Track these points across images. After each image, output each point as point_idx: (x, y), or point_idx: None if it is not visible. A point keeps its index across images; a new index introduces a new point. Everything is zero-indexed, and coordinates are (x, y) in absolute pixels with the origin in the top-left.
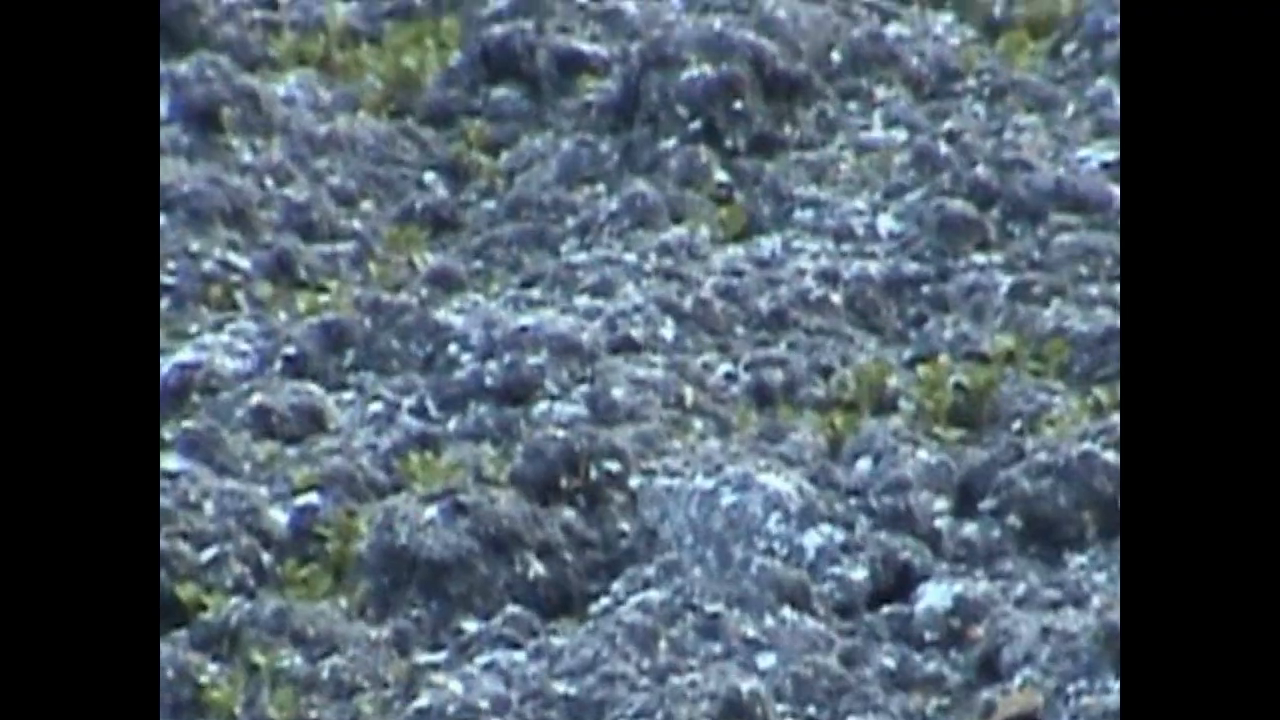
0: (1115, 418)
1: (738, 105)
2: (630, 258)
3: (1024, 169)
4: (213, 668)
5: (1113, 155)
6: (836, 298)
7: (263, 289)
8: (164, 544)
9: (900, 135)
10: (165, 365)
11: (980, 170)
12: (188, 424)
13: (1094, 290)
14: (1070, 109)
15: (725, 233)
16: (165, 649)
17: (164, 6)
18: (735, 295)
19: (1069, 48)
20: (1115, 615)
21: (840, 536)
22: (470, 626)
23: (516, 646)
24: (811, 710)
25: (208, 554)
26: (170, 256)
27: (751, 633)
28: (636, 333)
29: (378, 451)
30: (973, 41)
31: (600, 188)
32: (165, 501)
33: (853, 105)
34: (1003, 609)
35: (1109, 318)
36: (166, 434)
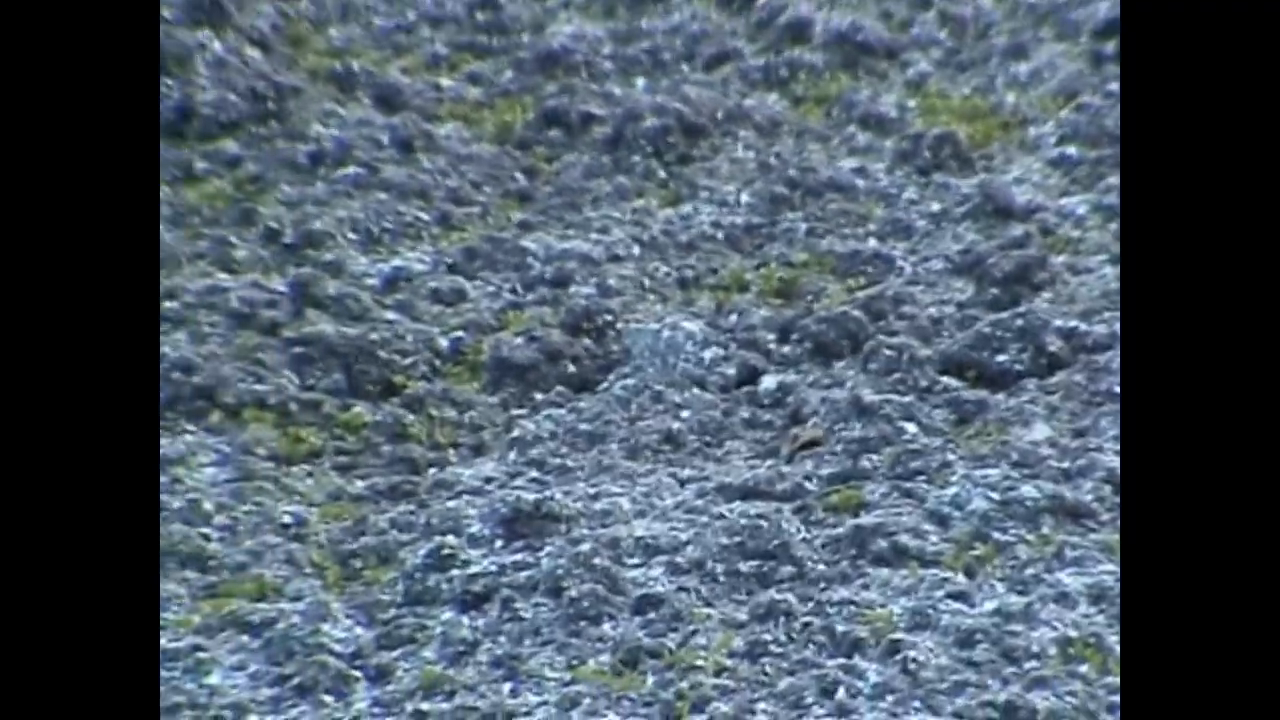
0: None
1: (670, 139)
2: (615, 214)
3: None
4: (410, 417)
5: None
6: (720, 235)
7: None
8: (385, 354)
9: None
10: (384, 269)
11: None
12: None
13: None
14: None
15: (663, 202)
16: (385, 409)
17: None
18: (672, 235)
19: None
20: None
21: (721, 353)
22: (538, 396)
23: (560, 407)
24: (708, 438)
25: (407, 360)
26: None
27: (677, 399)
28: (621, 252)
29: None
30: None
31: (601, 179)
32: (386, 334)
33: (728, 140)
34: (803, 389)
35: None
36: (388, 314)
